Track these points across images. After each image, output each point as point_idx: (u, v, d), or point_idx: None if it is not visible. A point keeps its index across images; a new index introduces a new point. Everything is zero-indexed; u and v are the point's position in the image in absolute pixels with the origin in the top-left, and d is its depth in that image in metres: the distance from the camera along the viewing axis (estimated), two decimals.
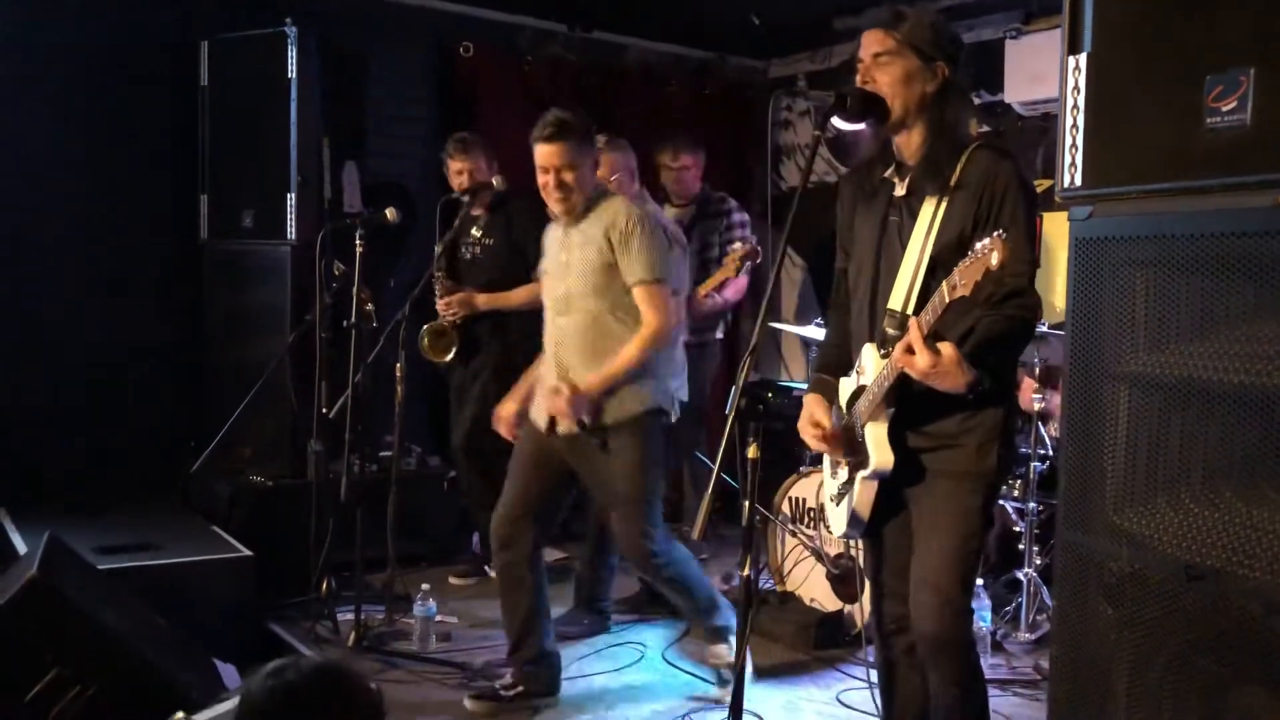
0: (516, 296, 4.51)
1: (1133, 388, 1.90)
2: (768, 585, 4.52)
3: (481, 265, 4.64)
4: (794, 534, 4.45)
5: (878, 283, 2.47)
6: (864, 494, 2.49)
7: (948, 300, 2.10)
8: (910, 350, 2.19)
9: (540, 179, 3.39)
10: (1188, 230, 1.77)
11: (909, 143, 2.45)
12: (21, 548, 3.75)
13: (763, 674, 3.82)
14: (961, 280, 2.05)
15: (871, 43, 2.41)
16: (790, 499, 4.53)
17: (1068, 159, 2.01)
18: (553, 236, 3.57)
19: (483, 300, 4.56)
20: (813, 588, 4.38)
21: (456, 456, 4.75)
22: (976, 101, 5.18)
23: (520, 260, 4.39)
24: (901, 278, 2.40)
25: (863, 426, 2.45)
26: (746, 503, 2.39)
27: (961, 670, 2.44)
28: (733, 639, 3.46)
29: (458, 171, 4.62)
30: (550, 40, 5.88)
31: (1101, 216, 1.97)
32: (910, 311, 2.35)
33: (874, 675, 3.68)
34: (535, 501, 3.49)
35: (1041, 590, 4.09)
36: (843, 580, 4.26)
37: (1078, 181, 2.00)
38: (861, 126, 2.54)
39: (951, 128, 2.40)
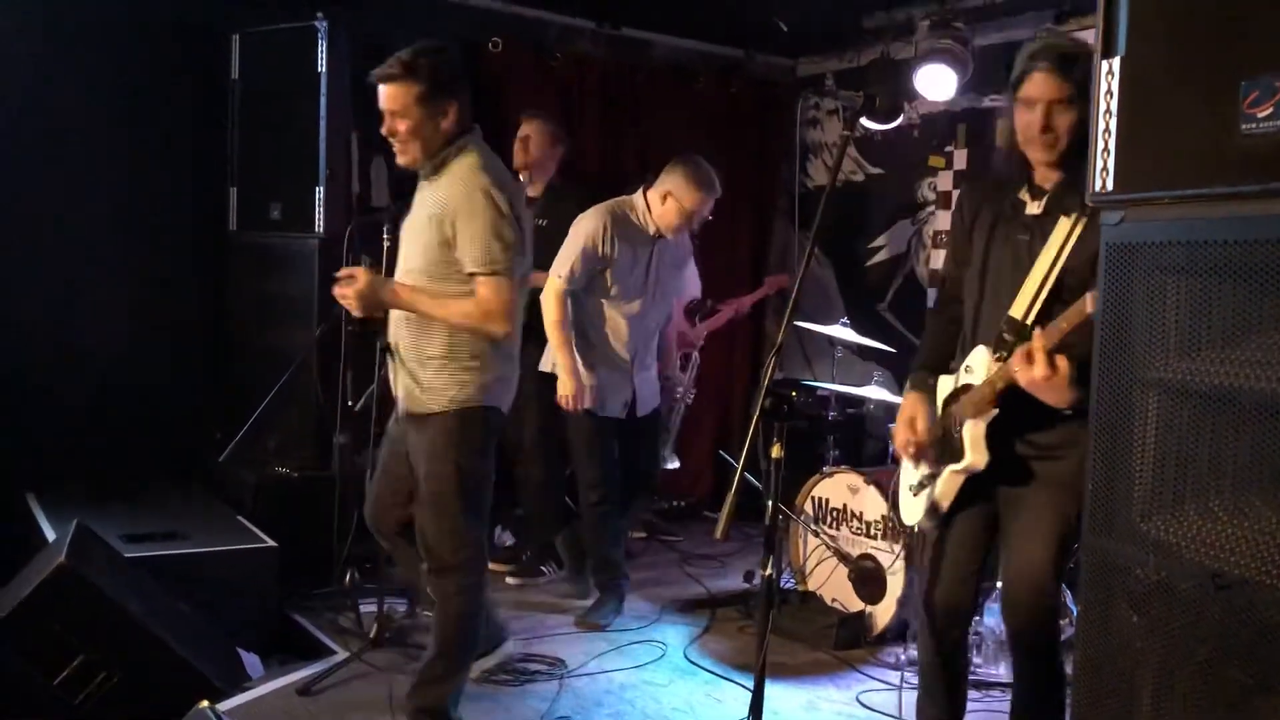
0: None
1: (1162, 394, 1.88)
2: (789, 585, 4.52)
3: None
4: (816, 534, 4.45)
5: (1008, 295, 2.58)
6: (949, 486, 2.63)
7: (1087, 313, 2.22)
8: (1029, 359, 2.33)
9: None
10: (1221, 236, 1.75)
11: (1050, 165, 2.54)
12: (50, 535, 3.80)
13: (783, 674, 3.81)
14: (1068, 322, 2.25)
15: (1049, 89, 2.46)
16: (813, 499, 4.52)
17: (1099, 163, 1.99)
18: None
19: None
20: (834, 588, 4.38)
21: (526, 456, 4.76)
22: (1004, 103, 5.15)
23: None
24: (1026, 290, 2.53)
25: (961, 424, 2.58)
26: (770, 502, 2.42)
27: (1047, 666, 2.58)
28: None
29: (520, 138, 4.76)
30: (578, 36, 5.88)
31: (1133, 221, 1.95)
32: (1030, 322, 2.49)
33: (892, 676, 3.71)
34: (392, 486, 3.26)
35: (1065, 595, 4.06)
36: (864, 581, 4.25)
37: (1109, 186, 1.98)
38: (889, 127, 2.61)
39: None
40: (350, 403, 4.19)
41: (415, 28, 5.30)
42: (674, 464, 5.40)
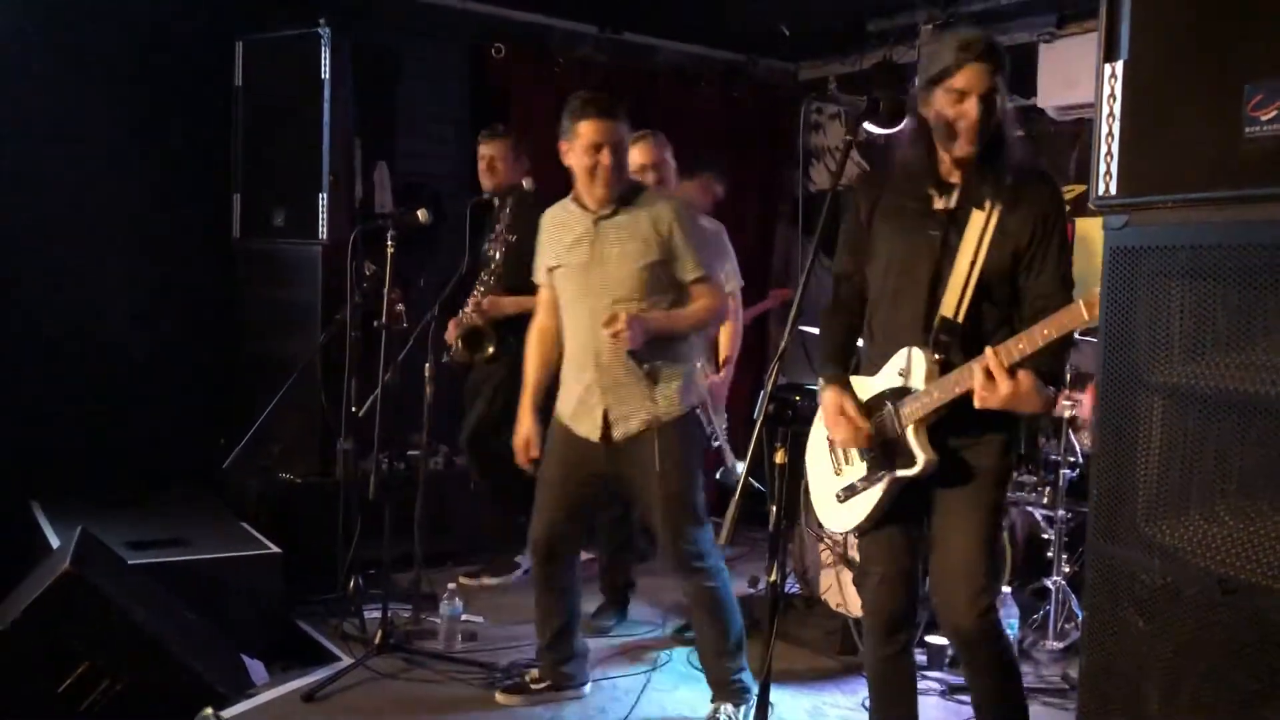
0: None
1: (1167, 398, 1.88)
2: (793, 590, 4.51)
3: (508, 264, 4.60)
4: (821, 539, 4.43)
5: (918, 291, 2.54)
6: (890, 491, 2.58)
7: (1040, 345, 2.27)
8: (990, 378, 2.32)
9: (587, 159, 3.25)
10: (1226, 240, 1.75)
11: (960, 158, 2.50)
12: (55, 541, 3.79)
13: (788, 679, 3.80)
14: (1056, 329, 2.24)
15: (981, 78, 2.44)
16: None
17: (1103, 167, 1.99)
18: (564, 226, 3.38)
19: (509, 304, 4.53)
20: (839, 593, 4.36)
21: (463, 452, 4.78)
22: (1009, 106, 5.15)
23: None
24: (953, 287, 2.49)
25: (904, 427, 2.53)
26: (774, 507, 2.41)
27: (994, 660, 2.55)
28: (748, 708, 3.37)
29: (483, 158, 4.64)
30: (581, 42, 5.89)
31: (1137, 225, 1.95)
32: (960, 319, 2.48)
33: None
34: (574, 514, 3.46)
35: (1070, 599, 4.06)
36: None
37: (1113, 190, 1.98)
38: (893, 131, 2.58)
39: (1009, 153, 2.50)
40: (354, 409, 4.19)
41: (419, 33, 5.34)
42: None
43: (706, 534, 3.36)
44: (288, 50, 4.75)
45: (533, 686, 3.56)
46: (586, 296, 3.30)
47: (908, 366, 2.54)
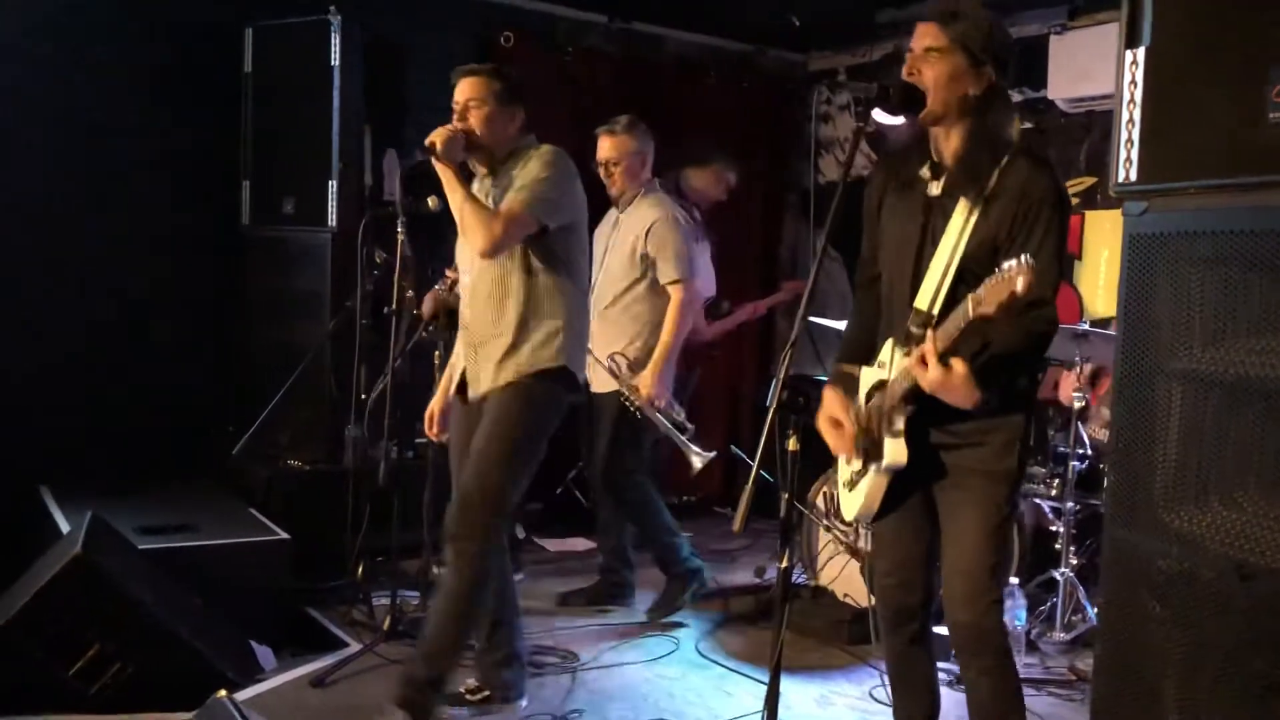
0: None
1: (1186, 385, 1.88)
2: (801, 580, 4.51)
3: None
4: (828, 529, 4.44)
5: (905, 281, 2.49)
6: (876, 485, 2.51)
7: (970, 317, 2.11)
8: (924, 362, 2.22)
9: None
10: (1247, 226, 1.75)
11: (947, 143, 2.44)
12: (65, 527, 3.80)
13: (795, 669, 3.81)
14: (986, 300, 2.05)
15: (923, 35, 2.40)
16: (825, 494, 4.51)
17: (1123, 154, 1.99)
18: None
19: None
20: (846, 583, 4.37)
21: None
22: (1018, 98, 5.12)
23: None
24: (930, 278, 2.41)
25: (880, 420, 2.46)
26: (785, 495, 2.40)
27: (994, 657, 2.48)
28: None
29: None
30: (590, 31, 5.88)
31: (1157, 212, 1.95)
32: (936, 312, 2.37)
33: None
34: None
35: (1078, 590, 4.06)
36: None
37: (1133, 176, 1.98)
38: (902, 120, 2.54)
39: (992, 134, 2.39)
40: (363, 396, 4.19)
41: (428, 22, 5.32)
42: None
43: (496, 520, 3.17)
44: (298, 37, 4.74)
45: (469, 697, 3.31)
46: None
47: (888, 359, 2.48)
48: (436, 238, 5.09)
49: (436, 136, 3.17)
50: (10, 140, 4.42)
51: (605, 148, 4.23)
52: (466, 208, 3.15)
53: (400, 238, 3.96)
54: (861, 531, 4.32)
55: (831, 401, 2.56)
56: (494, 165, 3.33)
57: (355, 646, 3.78)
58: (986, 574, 2.44)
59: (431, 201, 4.10)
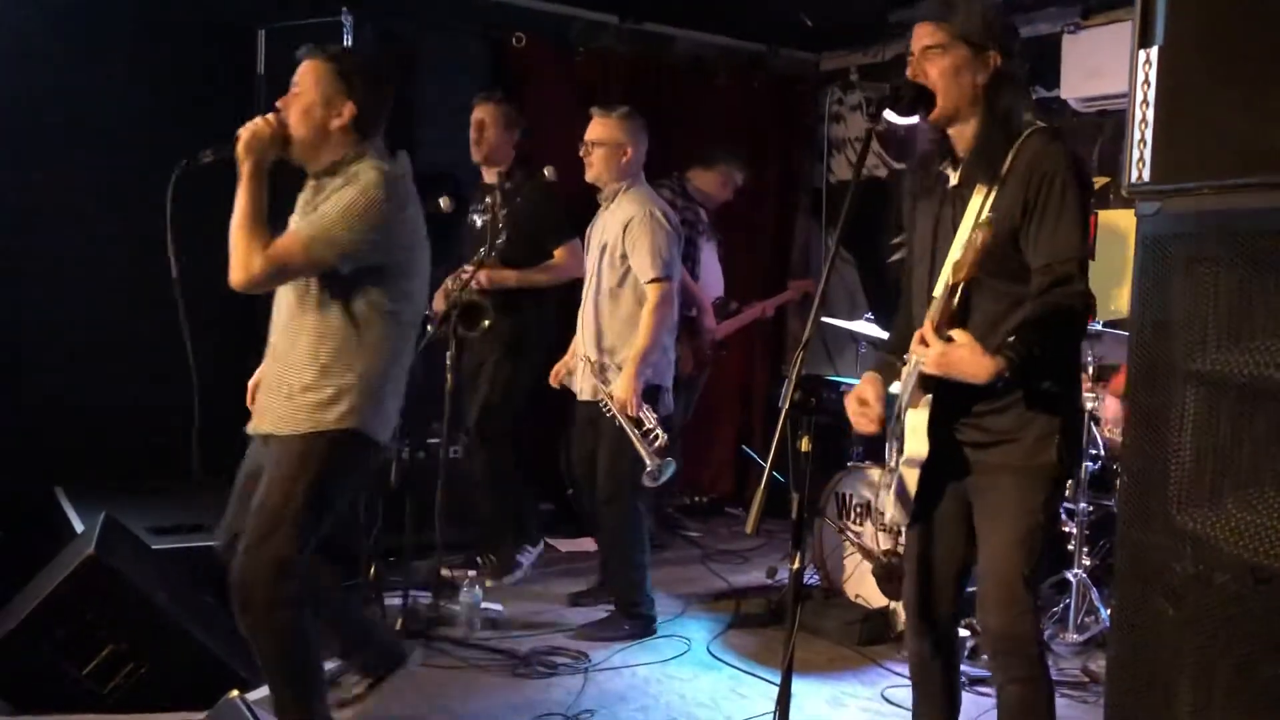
0: (543, 274, 4.58)
1: (1199, 386, 1.87)
2: (813, 581, 4.51)
3: (514, 238, 4.61)
4: (840, 530, 4.43)
5: (925, 271, 2.49)
6: (907, 480, 2.50)
7: (950, 282, 2.10)
8: (924, 343, 2.21)
9: None
10: (1262, 227, 1.74)
11: (962, 134, 2.44)
12: (79, 526, 3.81)
13: (807, 670, 3.80)
14: (961, 261, 2.08)
15: (921, 35, 2.41)
16: (836, 495, 4.51)
17: (1136, 154, 1.98)
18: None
19: (511, 277, 4.53)
20: (858, 584, 4.36)
21: (471, 440, 4.73)
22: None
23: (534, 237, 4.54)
24: (948, 266, 2.39)
25: (900, 416, 2.47)
26: (797, 496, 2.39)
27: (1024, 666, 2.43)
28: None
29: (474, 124, 4.67)
30: (601, 32, 5.88)
31: (1170, 212, 1.94)
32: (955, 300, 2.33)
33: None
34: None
35: (1091, 592, 4.04)
36: (889, 577, 4.23)
37: (1146, 176, 1.97)
38: (914, 120, 2.54)
39: (1004, 117, 2.38)
40: None
41: (439, 23, 5.34)
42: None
43: (289, 563, 2.77)
44: (310, 38, 4.70)
45: (356, 691, 3.06)
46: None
47: (909, 353, 2.46)
48: (446, 239, 5.09)
49: (245, 127, 2.74)
50: (21, 141, 4.44)
51: (593, 127, 4.13)
52: (237, 227, 2.72)
53: None
54: (874, 532, 4.32)
55: (864, 383, 2.58)
56: (318, 174, 2.87)
57: None
58: (1018, 579, 2.37)
59: (443, 202, 4.12)
